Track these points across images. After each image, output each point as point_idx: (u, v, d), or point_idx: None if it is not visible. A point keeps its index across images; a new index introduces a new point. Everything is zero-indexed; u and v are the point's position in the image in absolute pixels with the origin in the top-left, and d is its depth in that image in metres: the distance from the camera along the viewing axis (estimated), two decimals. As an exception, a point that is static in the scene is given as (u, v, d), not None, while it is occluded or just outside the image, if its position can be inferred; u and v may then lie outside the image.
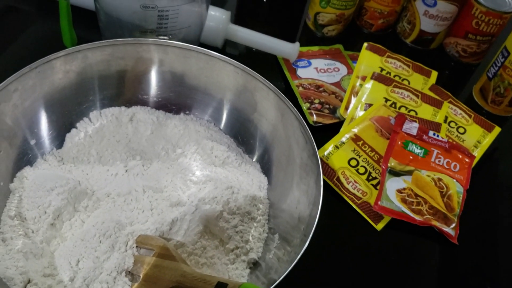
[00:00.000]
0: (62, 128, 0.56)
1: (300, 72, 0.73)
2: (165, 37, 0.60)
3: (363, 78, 0.71)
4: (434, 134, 0.65)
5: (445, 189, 0.61)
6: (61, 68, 0.54)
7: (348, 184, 0.61)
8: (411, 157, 0.63)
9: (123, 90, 0.59)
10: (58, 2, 0.59)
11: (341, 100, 0.70)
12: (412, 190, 0.60)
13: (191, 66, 0.58)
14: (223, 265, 0.50)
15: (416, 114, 0.69)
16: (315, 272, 0.54)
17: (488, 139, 0.68)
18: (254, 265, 0.51)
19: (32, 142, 0.54)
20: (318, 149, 0.51)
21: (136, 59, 0.57)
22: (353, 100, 0.69)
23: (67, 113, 0.56)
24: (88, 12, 0.70)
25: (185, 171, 0.55)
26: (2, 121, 0.50)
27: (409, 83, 0.73)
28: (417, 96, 0.70)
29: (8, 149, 0.51)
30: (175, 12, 0.58)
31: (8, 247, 0.46)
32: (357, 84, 0.71)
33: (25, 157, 0.53)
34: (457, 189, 0.61)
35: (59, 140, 0.56)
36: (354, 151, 0.63)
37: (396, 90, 0.70)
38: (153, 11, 0.57)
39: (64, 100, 0.56)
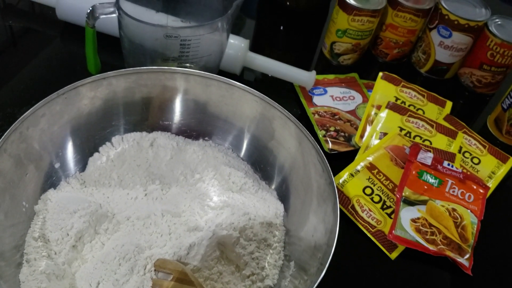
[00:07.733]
0: (85, 152, 0.58)
1: (316, 99, 0.74)
2: (187, 65, 0.62)
3: (378, 107, 0.73)
4: (448, 165, 0.65)
5: (459, 219, 0.61)
6: (87, 95, 0.56)
7: (362, 212, 0.62)
8: (425, 187, 0.63)
9: (146, 116, 0.61)
10: (84, 28, 0.61)
11: (356, 128, 0.71)
12: (426, 220, 0.61)
13: (212, 94, 0.60)
14: (239, 291, 0.50)
15: (431, 144, 0.69)
16: (329, 300, 0.55)
17: (503, 170, 0.69)
18: (270, 292, 0.51)
19: (57, 165, 0.56)
20: (333, 176, 0.52)
21: (160, 86, 0.59)
22: (368, 128, 0.70)
23: (91, 138, 0.58)
24: (112, 38, 0.73)
25: (202, 196, 0.56)
26: (30, 145, 0.52)
27: (423, 113, 0.73)
28: (432, 126, 0.71)
29: (34, 172, 0.53)
30: (197, 41, 0.60)
31: (32, 268, 0.47)
32: (372, 112, 0.72)
33: (49, 180, 0.55)
34: (471, 220, 0.61)
35: (82, 163, 0.58)
36: (369, 179, 0.64)
37: (411, 119, 0.71)
38: (175, 40, 0.59)
39: (88, 125, 0.58)
